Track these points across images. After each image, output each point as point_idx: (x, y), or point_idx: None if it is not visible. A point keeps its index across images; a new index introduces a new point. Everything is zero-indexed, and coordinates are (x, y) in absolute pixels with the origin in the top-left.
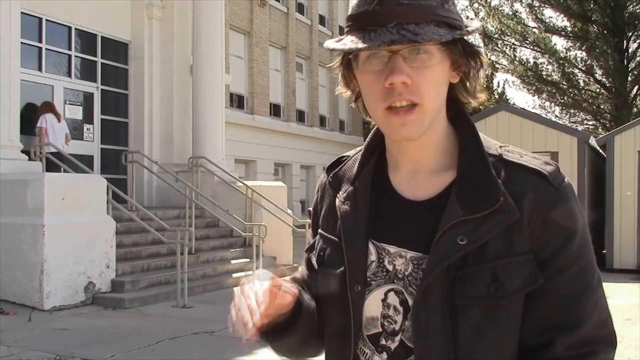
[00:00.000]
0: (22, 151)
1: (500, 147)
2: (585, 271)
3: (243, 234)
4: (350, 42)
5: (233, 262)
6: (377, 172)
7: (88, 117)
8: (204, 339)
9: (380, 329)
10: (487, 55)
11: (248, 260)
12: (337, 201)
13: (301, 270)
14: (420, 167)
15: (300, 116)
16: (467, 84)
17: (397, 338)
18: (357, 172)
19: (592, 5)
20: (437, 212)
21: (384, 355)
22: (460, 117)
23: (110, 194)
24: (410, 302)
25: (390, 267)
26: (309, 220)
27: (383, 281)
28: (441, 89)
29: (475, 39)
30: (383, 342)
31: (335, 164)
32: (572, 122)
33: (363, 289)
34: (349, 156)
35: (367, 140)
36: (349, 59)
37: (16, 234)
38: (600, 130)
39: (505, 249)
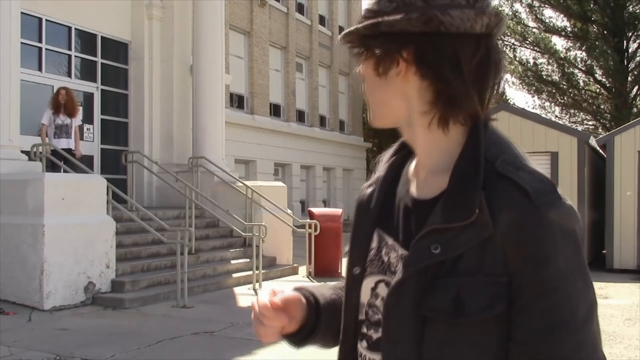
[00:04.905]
0: (22, 151)
1: (504, 156)
2: (561, 307)
3: (243, 234)
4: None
5: (233, 262)
6: (403, 165)
7: (88, 117)
8: (204, 339)
9: (364, 317)
10: None
11: (248, 260)
12: (365, 184)
13: None
14: (429, 167)
15: (300, 116)
16: None
17: (380, 330)
18: (385, 160)
19: (592, 5)
20: (427, 214)
21: (364, 343)
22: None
23: (110, 194)
24: None
25: (385, 259)
26: (309, 220)
27: (377, 270)
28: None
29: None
30: (364, 330)
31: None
32: (572, 122)
33: (361, 273)
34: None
35: None
36: None
37: (16, 234)
38: (600, 130)
39: (476, 267)
